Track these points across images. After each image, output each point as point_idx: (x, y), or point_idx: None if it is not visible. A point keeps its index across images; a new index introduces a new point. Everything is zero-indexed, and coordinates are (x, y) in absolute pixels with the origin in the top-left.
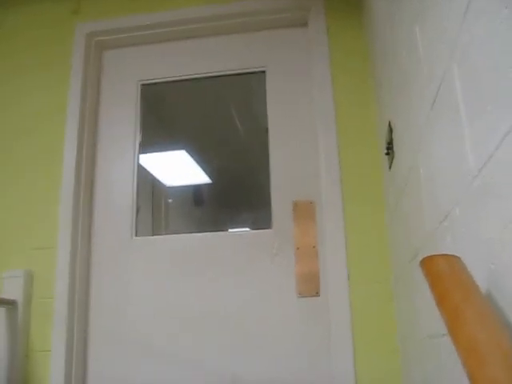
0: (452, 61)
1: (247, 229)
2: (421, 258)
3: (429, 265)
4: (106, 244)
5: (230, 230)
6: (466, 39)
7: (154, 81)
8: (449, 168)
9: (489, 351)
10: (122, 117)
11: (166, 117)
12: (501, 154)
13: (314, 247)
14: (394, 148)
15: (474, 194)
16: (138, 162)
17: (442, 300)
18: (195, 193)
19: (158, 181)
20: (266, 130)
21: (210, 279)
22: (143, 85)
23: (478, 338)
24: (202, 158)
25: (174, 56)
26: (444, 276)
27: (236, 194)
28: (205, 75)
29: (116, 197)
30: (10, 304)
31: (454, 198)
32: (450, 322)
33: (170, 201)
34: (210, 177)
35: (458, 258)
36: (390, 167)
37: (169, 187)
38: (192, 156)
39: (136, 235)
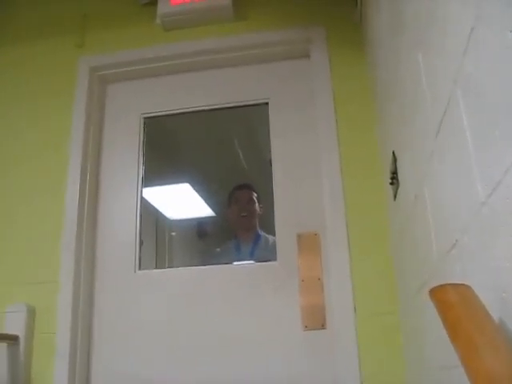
0: (456, 88)
1: (252, 261)
2: (429, 288)
3: (439, 294)
4: (108, 278)
5: (234, 263)
6: (469, 66)
7: (156, 114)
8: (456, 196)
9: (504, 383)
10: (125, 150)
11: (169, 150)
12: (510, 179)
13: (319, 279)
14: (399, 177)
15: (483, 222)
16: (142, 196)
17: (453, 330)
18: (199, 226)
19: (162, 214)
20: (270, 162)
21: (214, 313)
22: (146, 118)
23: (492, 369)
24: (206, 190)
25: (177, 89)
26: (455, 305)
27: None
28: (208, 108)
29: (119, 230)
30: (12, 339)
31: (463, 225)
32: (463, 352)
33: (173, 234)
34: (213, 209)
35: (468, 286)
36: (394, 197)
37: (172, 220)
38: (195, 189)
39: (139, 269)
